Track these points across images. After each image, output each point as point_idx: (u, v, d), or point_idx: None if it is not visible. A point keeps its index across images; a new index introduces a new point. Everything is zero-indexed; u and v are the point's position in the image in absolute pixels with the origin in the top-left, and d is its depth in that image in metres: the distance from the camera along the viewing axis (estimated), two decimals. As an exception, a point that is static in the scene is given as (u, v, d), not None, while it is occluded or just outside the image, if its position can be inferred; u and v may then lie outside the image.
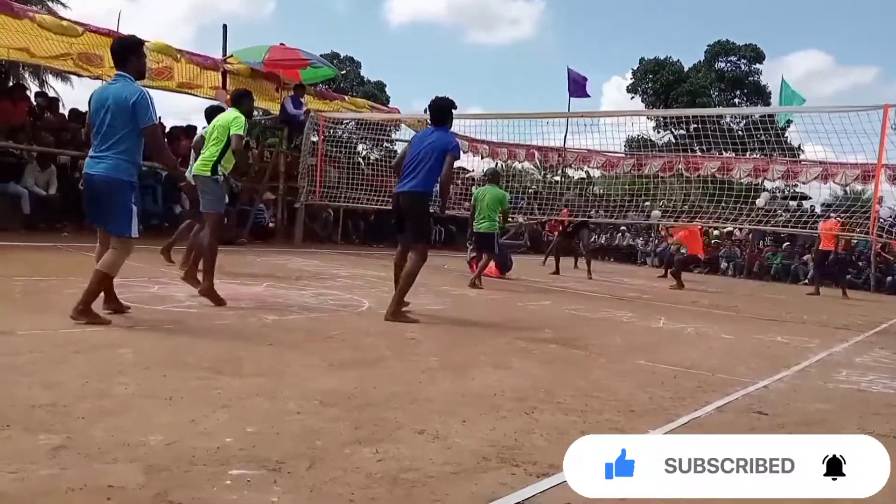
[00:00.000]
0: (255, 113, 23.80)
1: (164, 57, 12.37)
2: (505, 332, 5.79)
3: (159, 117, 6.01)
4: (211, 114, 7.09)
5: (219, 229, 6.07)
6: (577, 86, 19.64)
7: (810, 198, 18.54)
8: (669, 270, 15.87)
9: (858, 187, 16.68)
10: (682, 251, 13.38)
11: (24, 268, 6.92)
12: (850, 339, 7.42)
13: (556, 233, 15.75)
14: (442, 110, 6.27)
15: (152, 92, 4.82)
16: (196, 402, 3.06)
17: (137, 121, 4.45)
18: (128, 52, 4.69)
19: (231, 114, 6.19)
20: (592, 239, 19.05)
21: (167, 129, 15.15)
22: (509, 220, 12.18)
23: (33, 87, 20.93)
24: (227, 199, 6.38)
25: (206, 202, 6.06)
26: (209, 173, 6.01)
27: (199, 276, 5.99)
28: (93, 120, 4.64)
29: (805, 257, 19.56)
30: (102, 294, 4.75)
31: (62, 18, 11.50)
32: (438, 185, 6.12)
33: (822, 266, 14.85)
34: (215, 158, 6.03)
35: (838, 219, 12.74)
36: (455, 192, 16.66)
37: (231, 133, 6.00)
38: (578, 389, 3.98)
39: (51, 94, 18.78)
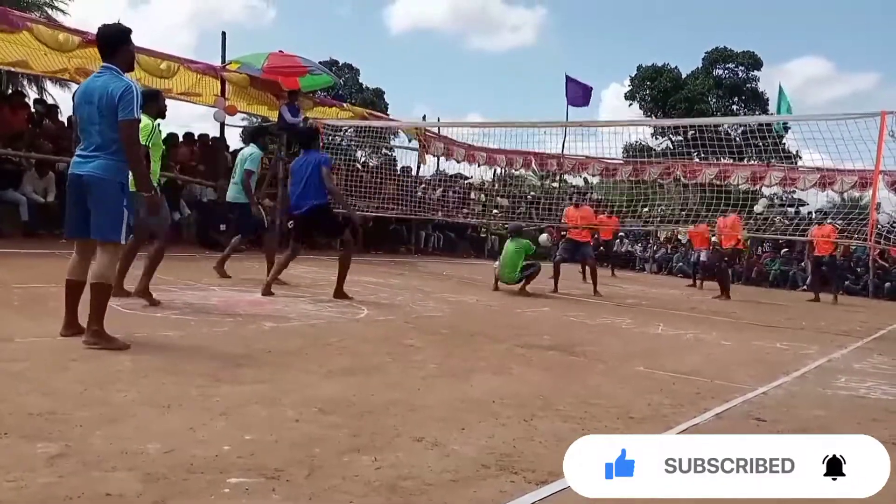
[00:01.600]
0: (254, 120, 23.89)
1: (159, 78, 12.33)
2: (504, 339, 5.79)
3: (158, 123, 5.92)
4: (251, 135, 7.58)
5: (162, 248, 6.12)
6: (578, 94, 19.65)
7: (807, 204, 18.61)
8: (698, 277, 15.95)
9: (856, 194, 16.73)
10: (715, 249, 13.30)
11: (23, 275, 6.92)
12: (849, 346, 7.42)
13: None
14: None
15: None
16: (194, 409, 3.05)
17: (117, 113, 4.09)
18: (115, 42, 4.32)
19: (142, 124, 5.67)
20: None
21: (164, 135, 15.22)
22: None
23: (32, 95, 20.94)
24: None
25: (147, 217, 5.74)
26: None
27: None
28: (78, 116, 4.33)
29: (803, 263, 19.60)
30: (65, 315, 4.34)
31: (59, 28, 11.48)
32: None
33: (818, 272, 14.84)
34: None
35: (835, 225, 12.75)
36: (453, 200, 16.73)
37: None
38: (577, 396, 3.98)
39: (49, 101, 18.76)
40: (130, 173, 4.34)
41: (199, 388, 3.40)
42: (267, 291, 7.02)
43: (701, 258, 16.91)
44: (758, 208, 15.59)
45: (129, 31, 4.46)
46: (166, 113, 6.24)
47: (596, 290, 11.02)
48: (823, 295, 14.13)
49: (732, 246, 13.21)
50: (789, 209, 17.84)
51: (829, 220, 13.42)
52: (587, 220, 11.80)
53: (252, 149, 8.13)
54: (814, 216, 15.35)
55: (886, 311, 12.83)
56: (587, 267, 11.99)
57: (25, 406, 2.87)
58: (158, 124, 5.93)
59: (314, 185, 7.08)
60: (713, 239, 13.70)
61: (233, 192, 8.37)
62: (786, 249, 19.92)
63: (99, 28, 4.47)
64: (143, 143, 5.40)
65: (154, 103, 5.87)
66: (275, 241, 8.91)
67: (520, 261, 9.85)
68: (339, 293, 7.38)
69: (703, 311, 9.92)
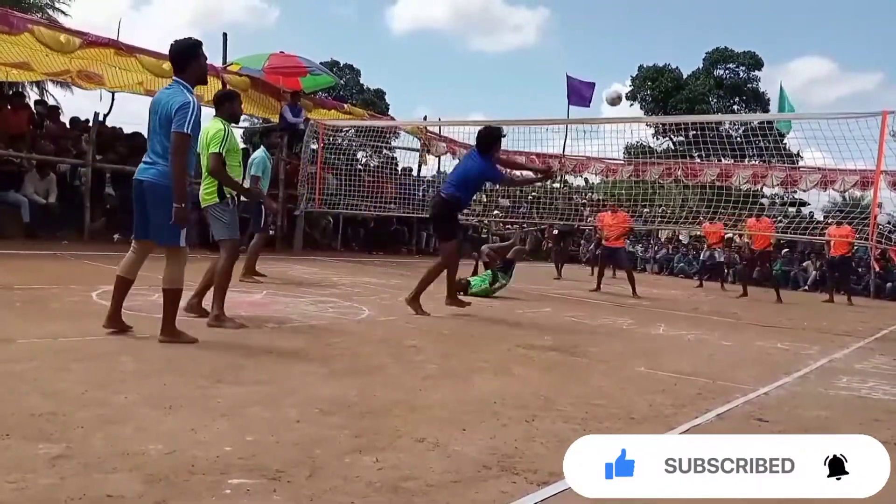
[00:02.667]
0: (255, 121, 23.81)
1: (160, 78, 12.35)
2: (505, 340, 5.78)
3: (229, 126, 5.65)
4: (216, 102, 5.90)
5: (233, 259, 5.55)
6: (579, 94, 19.64)
7: (808, 203, 18.60)
8: (703, 278, 15.98)
9: (857, 193, 16.72)
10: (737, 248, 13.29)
11: (24, 276, 6.92)
12: (851, 346, 7.42)
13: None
14: (484, 139, 7.03)
15: (147, 99, 4.64)
16: (196, 410, 3.05)
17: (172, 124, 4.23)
18: (186, 58, 4.44)
19: (211, 126, 5.49)
20: (591, 247, 19.10)
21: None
22: (509, 227, 11.95)
23: (33, 96, 20.95)
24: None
25: (218, 230, 5.57)
26: (216, 199, 5.44)
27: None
28: (148, 125, 4.49)
29: (805, 263, 19.57)
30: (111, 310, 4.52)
31: (60, 30, 11.49)
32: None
33: (832, 272, 14.73)
34: (217, 184, 5.42)
35: (855, 227, 12.46)
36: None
37: (209, 151, 5.40)
38: (579, 397, 3.98)
39: (51, 102, 18.79)
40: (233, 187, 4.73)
41: (201, 389, 3.40)
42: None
43: (715, 257, 16.91)
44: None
45: (197, 44, 4.54)
46: (240, 118, 6.13)
47: (635, 292, 11.17)
48: (838, 296, 14.04)
49: (762, 247, 13.31)
50: (790, 209, 17.83)
51: (845, 222, 13.11)
52: (622, 226, 11.81)
53: (259, 152, 8.02)
54: (818, 217, 15.34)
55: (888, 311, 12.81)
56: (623, 272, 12.16)
57: (27, 407, 2.87)
58: (230, 128, 5.63)
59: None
60: (745, 240, 13.68)
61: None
62: (786, 250, 19.89)
63: (171, 44, 4.54)
64: (217, 149, 5.40)
65: (228, 105, 5.66)
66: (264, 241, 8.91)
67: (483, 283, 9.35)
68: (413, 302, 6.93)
69: (704, 312, 9.91)
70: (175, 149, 4.25)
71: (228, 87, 13.40)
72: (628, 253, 12.95)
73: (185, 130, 4.24)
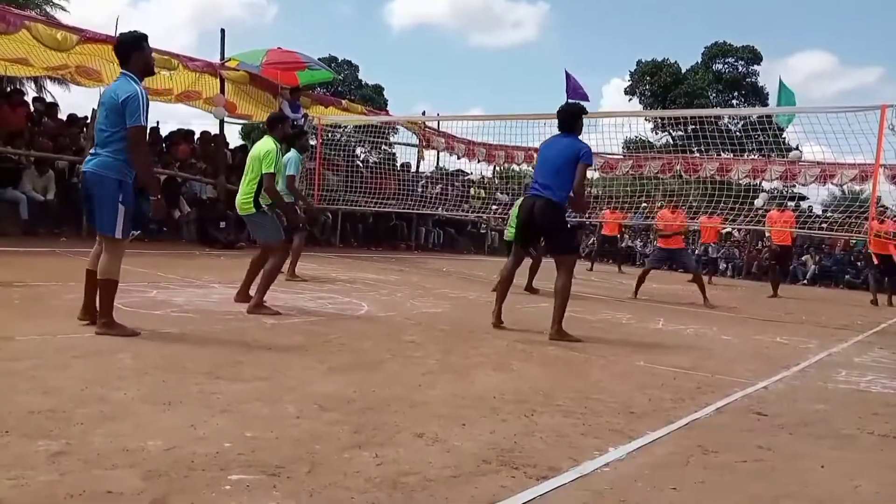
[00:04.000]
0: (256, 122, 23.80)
1: (162, 70, 12.31)
2: (504, 335, 5.79)
3: (157, 122, 6.03)
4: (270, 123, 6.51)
5: (283, 257, 6.25)
6: (577, 91, 19.61)
7: (807, 198, 18.58)
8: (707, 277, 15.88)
9: (856, 187, 16.70)
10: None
11: (23, 273, 6.92)
12: (849, 340, 7.43)
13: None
14: (569, 116, 5.98)
15: (151, 103, 4.69)
16: (195, 407, 3.06)
17: (122, 116, 4.31)
18: (129, 49, 4.51)
19: (263, 146, 5.99)
20: (591, 241, 19.13)
21: (164, 134, 15.21)
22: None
23: (31, 93, 20.93)
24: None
25: (262, 235, 6.13)
26: (253, 210, 5.94)
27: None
28: (97, 118, 4.59)
29: (804, 258, 19.59)
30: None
31: (58, 27, 11.44)
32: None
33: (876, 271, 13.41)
34: (253, 194, 5.91)
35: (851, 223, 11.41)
36: (454, 195, 16.71)
37: (263, 170, 5.86)
38: (578, 391, 3.98)
39: (49, 99, 18.76)
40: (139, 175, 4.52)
41: (200, 386, 3.40)
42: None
43: (709, 252, 16.89)
44: (758, 202, 15.56)
45: (141, 38, 4.62)
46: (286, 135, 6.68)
47: (706, 300, 9.97)
48: (881, 295, 13.10)
49: (784, 242, 12.75)
50: (790, 203, 17.81)
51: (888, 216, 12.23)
52: (682, 225, 10.89)
53: (292, 153, 7.74)
54: (817, 210, 15.24)
55: (886, 305, 12.80)
56: (692, 276, 10.76)
57: (26, 404, 2.87)
58: (280, 148, 6.15)
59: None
60: (767, 234, 13.24)
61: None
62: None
63: (117, 37, 4.71)
64: (272, 169, 5.84)
65: (280, 127, 6.31)
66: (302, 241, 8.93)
67: None
68: (561, 333, 5.79)
69: (703, 306, 9.91)
70: (135, 143, 4.36)
71: (228, 83, 13.44)
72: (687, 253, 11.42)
73: (142, 123, 4.34)
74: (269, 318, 5.57)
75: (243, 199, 5.98)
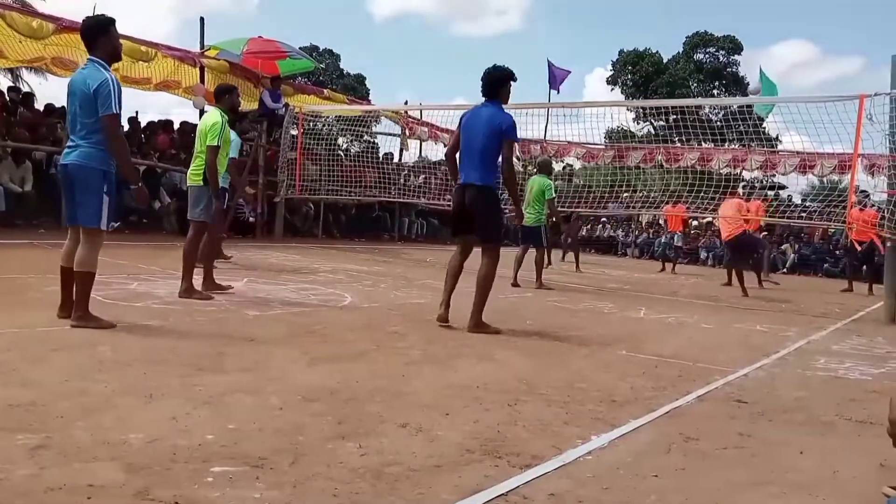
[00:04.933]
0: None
1: (140, 62, 12.14)
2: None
3: (136, 112, 5.97)
4: (217, 94, 6.58)
5: (205, 235, 6.18)
6: (560, 79, 19.66)
7: (787, 187, 18.77)
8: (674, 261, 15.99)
9: (835, 177, 16.86)
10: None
11: (1, 266, 6.83)
12: (828, 328, 7.52)
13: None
14: (494, 81, 5.47)
15: (129, 91, 4.63)
16: (177, 399, 3.04)
17: (95, 105, 4.24)
18: (96, 34, 4.41)
19: (210, 118, 6.05)
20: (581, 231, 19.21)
21: (143, 124, 15.03)
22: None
23: (5, 83, 20.58)
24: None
25: (196, 211, 6.08)
26: (202, 183, 6.00)
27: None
28: (67, 108, 4.48)
29: (783, 246, 19.78)
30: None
31: (33, 15, 11.26)
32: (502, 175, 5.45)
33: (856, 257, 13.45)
34: (203, 168, 5.97)
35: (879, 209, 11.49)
36: (437, 184, 16.68)
37: (206, 143, 5.92)
38: (561, 380, 4.00)
39: (25, 89, 18.46)
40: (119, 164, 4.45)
41: (182, 378, 3.38)
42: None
43: (675, 242, 17.05)
44: (738, 192, 15.65)
45: (107, 22, 4.50)
46: (239, 109, 6.64)
47: (743, 291, 10.39)
48: (860, 283, 13.22)
49: (865, 239, 12.36)
50: (769, 192, 17.97)
51: (868, 204, 12.12)
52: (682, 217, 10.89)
53: (213, 115, 7.35)
54: (796, 200, 15.35)
55: (864, 292, 12.97)
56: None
57: (5, 397, 2.84)
58: (226, 119, 6.10)
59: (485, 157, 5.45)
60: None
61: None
62: (765, 233, 20.08)
63: (81, 22, 4.54)
64: (215, 142, 5.87)
65: (227, 97, 6.30)
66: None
67: (540, 206, 9.36)
68: (479, 324, 5.50)
69: (684, 295, 9.99)
70: (110, 132, 4.30)
71: (207, 71, 13.30)
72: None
73: (115, 110, 4.27)
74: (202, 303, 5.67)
75: (193, 171, 6.08)
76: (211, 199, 6.06)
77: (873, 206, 12.03)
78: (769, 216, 13.61)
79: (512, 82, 5.52)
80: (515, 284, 9.06)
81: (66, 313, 4.50)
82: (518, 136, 5.70)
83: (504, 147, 5.37)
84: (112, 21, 4.50)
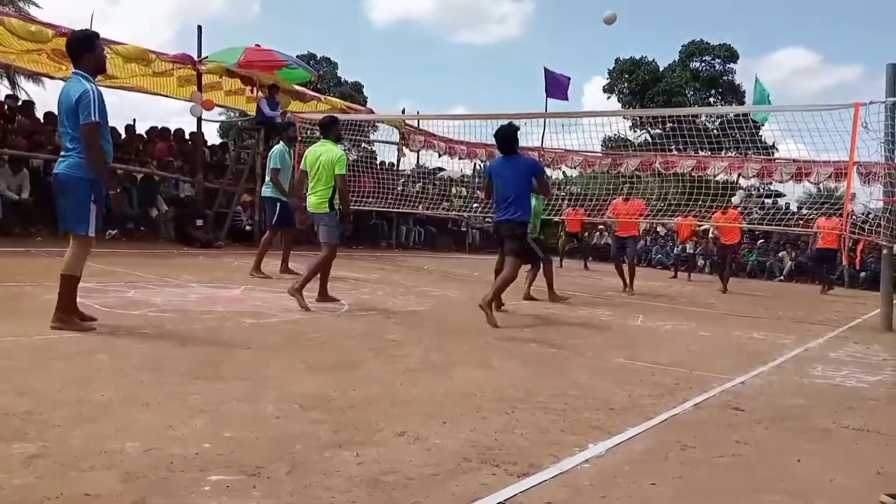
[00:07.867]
0: (231, 115, 23.57)
1: (137, 65, 12.13)
2: (484, 333, 5.79)
3: (133, 120, 6.00)
4: (323, 128, 7.12)
5: (333, 255, 6.82)
6: (557, 87, 19.67)
7: (784, 195, 18.82)
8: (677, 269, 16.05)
9: (832, 185, 16.91)
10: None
11: (-3, 274, 6.81)
12: (825, 335, 7.53)
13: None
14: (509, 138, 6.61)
15: (128, 99, 4.71)
16: (174, 407, 3.03)
17: (77, 115, 4.36)
18: (80, 49, 4.55)
19: (332, 150, 6.61)
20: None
21: (137, 131, 15.02)
22: (488, 221, 10.88)
23: (4, 90, 20.60)
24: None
25: (324, 232, 6.68)
26: (328, 209, 6.56)
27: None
28: (58, 120, 4.64)
29: (780, 254, 19.82)
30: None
31: (32, 21, 11.27)
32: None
33: (821, 264, 14.71)
34: (329, 195, 6.54)
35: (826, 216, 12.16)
36: (434, 193, 16.70)
37: (336, 173, 6.44)
38: (558, 388, 4.00)
39: (23, 97, 18.49)
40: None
41: (178, 386, 3.37)
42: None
43: (687, 250, 17.09)
44: (735, 200, 15.72)
45: (91, 37, 4.67)
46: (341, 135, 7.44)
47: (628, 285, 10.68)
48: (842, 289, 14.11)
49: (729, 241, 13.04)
50: (766, 200, 18.03)
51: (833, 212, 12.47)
52: (637, 213, 11.10)
53: (336, 149, 7.48)
54: (793, 207, 15.44)
55: (861, 300, 13.00)
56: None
57: (1, 406, 2.83)
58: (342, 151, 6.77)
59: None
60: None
61: (266, 191, 9.05)
62: (762, 241, 20.14)
63: (68, 36, 4.73)
64: (343, 171, 6.45)
65: (334, 129, 6.99)
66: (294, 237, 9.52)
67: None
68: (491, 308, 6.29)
69: (681, 303, 10.00)
70: (89, 140, 4.40)
71: (203, 75, 13.29)
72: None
73: (94, 119, 4.36)
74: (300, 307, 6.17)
75: (317, 199, 6.62)
76: (337, 223, 6.69)
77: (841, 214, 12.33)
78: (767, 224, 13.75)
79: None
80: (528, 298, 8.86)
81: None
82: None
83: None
84: (96, 35, 4.68)
